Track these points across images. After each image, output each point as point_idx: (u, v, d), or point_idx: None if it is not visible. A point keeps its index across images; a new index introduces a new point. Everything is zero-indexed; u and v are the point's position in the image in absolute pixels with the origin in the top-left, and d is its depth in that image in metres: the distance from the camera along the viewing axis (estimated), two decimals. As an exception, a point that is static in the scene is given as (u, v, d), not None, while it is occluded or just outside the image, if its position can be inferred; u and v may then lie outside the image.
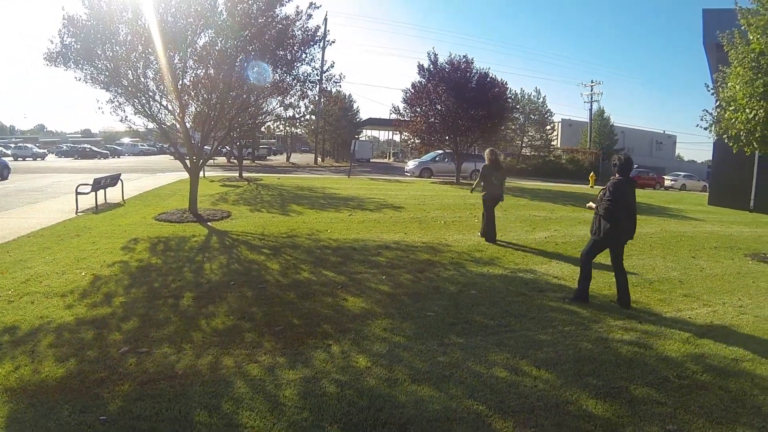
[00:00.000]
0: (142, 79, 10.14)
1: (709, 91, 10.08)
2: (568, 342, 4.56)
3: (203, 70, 10.88)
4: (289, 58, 11.18)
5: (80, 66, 9.80)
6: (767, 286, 7.04)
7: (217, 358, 3.92)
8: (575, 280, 6.64)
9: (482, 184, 8.98)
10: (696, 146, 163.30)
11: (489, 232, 8.92)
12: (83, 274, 6.23)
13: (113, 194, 13.31)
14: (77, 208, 11.15)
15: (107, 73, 9.79)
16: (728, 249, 9.70)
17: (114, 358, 3.91)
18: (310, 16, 11.31)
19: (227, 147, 27.18)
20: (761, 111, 8.20)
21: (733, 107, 8.98)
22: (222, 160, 37.37)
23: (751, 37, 8.56)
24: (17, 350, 4.02)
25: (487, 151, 9.23)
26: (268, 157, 48.54)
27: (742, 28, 8.88)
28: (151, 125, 10.92)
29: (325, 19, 32.22)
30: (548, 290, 6.20)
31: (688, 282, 7.00)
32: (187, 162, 11.08)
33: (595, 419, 3.30)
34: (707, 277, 7.34)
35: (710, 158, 48.11)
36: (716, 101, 9.94)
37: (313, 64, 12.00)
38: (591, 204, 5.94)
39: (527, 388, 3.67)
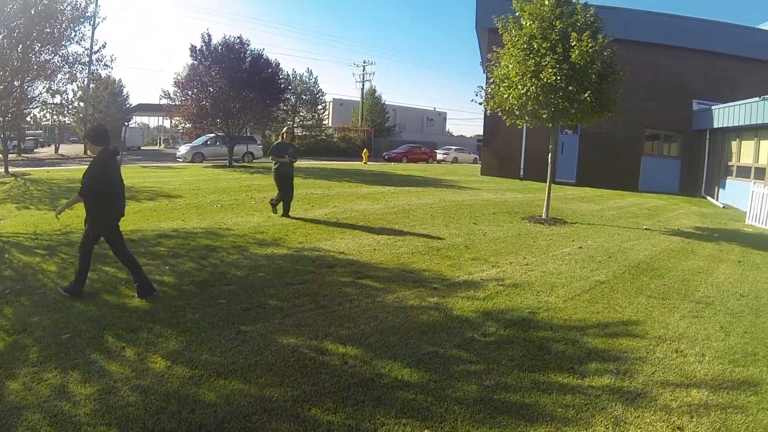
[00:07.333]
0: None
1: (482, 70, 10.96)
2: (368, 315, 4.42)
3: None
4: (56, 35, 9.60)
5: None
6: (546, 245, 7.81)
7: (2, 384, 3.19)
8: (362, 254, 6.66)
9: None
10: (465, 122, 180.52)
11: None
12: None
13: None
14: None
15: None
16: (506, 214, 10.71)
17: None
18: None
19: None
20: (533, 87, 9.16)
21: (506, 84, 9.87)
22: None
23: (524, 23, 9.49)
24: None
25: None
26: (35, 150, 41.71)
27: (516, 14, 9.78)
28: None
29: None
30: (337, 266, 5.98)
31: (474, 246, 7.38)
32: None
33: (414, 387, 3.23)
34: (491, 241, 7.87)
35: (478, 133, 54.60)
36: (489, 79, 10.85)
37: (83, 43, 10.27)
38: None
39: (338, 367, 3.44)
